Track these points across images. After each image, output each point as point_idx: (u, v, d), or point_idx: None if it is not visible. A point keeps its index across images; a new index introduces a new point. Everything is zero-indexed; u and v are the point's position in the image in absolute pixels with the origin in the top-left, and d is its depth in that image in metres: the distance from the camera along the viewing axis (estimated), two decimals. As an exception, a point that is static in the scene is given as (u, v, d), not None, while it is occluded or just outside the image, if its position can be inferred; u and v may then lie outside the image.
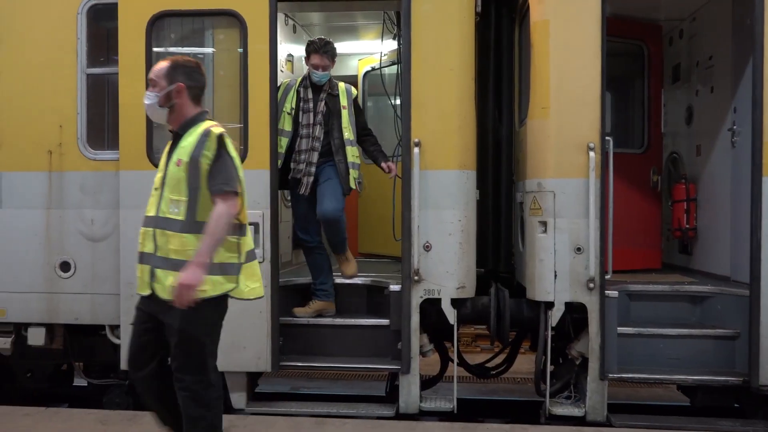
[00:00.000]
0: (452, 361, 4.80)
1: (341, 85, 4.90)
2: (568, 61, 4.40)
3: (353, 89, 4.98)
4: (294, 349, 4.72)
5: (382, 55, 6.15)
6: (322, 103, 4.77)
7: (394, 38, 5.78)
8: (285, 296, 4.72)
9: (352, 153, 4.83)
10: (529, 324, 4.72)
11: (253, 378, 4.83)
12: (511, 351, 5.34)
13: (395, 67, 5.65)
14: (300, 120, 4.75)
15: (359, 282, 4.94)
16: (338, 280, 4.99)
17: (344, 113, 4.80)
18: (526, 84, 4.75)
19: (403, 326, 4.48)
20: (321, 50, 4.75)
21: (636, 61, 5.62)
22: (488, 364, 5.41)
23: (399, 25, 5.27)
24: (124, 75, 4.63)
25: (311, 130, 4.73)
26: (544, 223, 4.41)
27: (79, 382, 5.50)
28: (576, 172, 4.37)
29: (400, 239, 4.60)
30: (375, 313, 4.81)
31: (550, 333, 4.46)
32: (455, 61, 4.52)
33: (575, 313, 4.46)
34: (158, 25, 4.68)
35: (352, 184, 4.82)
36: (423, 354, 4.62)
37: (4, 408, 4.61)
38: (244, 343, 4.52)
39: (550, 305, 4.41)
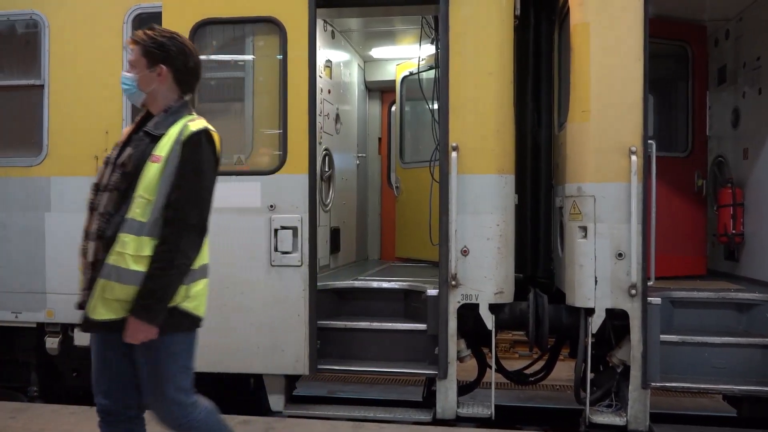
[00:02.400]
0: (490, 367, 4.76)
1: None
2: (609, 63, 4.33)
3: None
4: (331, 353, 4.75)
5: (420, 59, 6.16)
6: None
7: (432, 43, 5.78)
8: (323, 300, 4.75)
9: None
10: (569, 330, 4.66)
11: (291, 381, 4.87)
12: (550, 357, 5.27)
13: (433, 71, 5.65)
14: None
15: (396, 286, 4.95)
16: (374, 284, 5.00)
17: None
18: (566, 87, 4.69)
19: (441, 331, 4.47)
20: None
21: (680, 63, 5.50)
22: (526, 371, 5.35)
23: (437, 29, 5.27)
24: (168, 82, 4.73)
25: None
26: (584, 228, 4.34)
27: (123, 381, 5.62)
28: (617, 176, 4.29)
29: (438, 244, 4.59)
30: (412, 317, 4.80)
31: (590, 340, 4.38)
32: (494, 65, 4.50)
33: (616, 319, 4.37)
34: (200, 32, 4.77)
35: None
36: (460, 359, 4.60)
37: (52, 406, 4.75)
38: (282, 346, 4.57)
39: (590, 312, 4.34)
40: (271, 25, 4.70)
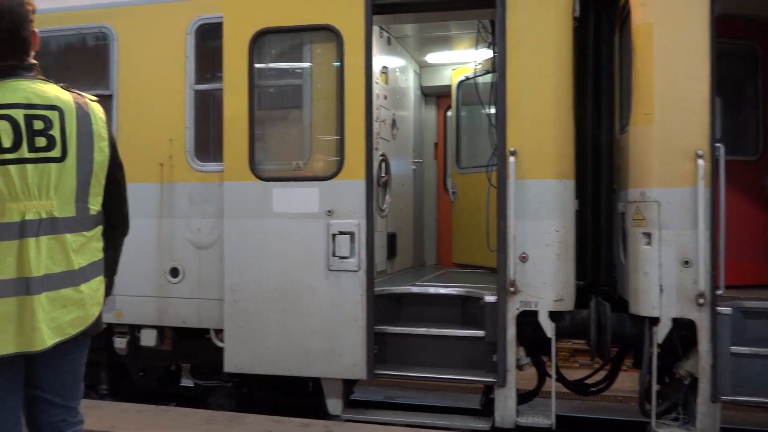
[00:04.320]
0: (550, 375, 4.66)
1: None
2: (673, 64, 4.19)
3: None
4: (388, 358, 4.75)
5: (477, 64, 6.11)
6: None
7: (488, 47, 5.73)
8: (380, 305, 4.77)
9: None
10: (632, 340, 4.52)
11: (348, 385, 4.89)
12: (613, 368, 5.12)
13: (490, 75, 5.60)
14: None
15: (453, 292, 4.92)
16: (432, 290, 4.98)
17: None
18: (628, 89, 4.57)
19: (499, 338, 4.41)
20: None
21: (748, 63, 5.28)
22: (588, 381, 5.21)
23: (494, 33, 5.23)
24: (228, 90, 4.85)
25: None
26: (649, 235, 4.21)
27: (186, 382, 5.80)
28: (683, 180, 4.14)
29: (495, 249, 4.53)
30: (470, 324, 4.76)
31: (656, 350, 4.24)
32: (552, 67, 4.42)
33: (683, 329, 4.22)
34: (260, 41, 4.88)
35: None
36: (519, 367, 4.52)
37: (121, 404, 4.92)
38: (340, 351, 4.60)
39: (655, 321, 4.20)
40: (329, 32, 4.76)
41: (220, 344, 4.93)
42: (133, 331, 5.20)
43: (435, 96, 7.54)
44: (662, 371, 4.57)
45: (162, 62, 5.12)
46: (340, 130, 4.69)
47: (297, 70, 5.10)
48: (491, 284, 4.79)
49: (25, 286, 2.18)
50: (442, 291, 4.96)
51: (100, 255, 2.44)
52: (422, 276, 6.00)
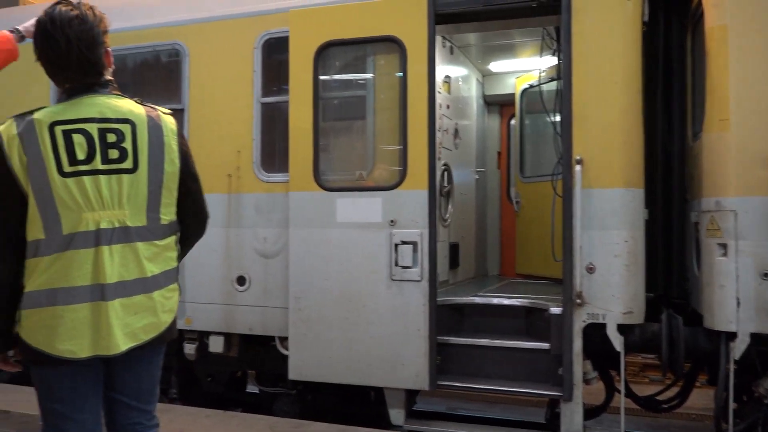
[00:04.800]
0: (618, 391, 4.52)
1: None
2: (750, 68, 4.02)
3: None
4: (451, 369, 4.72)
5: (541, 71, 6.03)
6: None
7: (553, 54, 5.65)
8: (442, 315, 4.74)
9: None
10: (707, 355, 4.33)
11: (410, 395, 4.88)
12: (685, 384, 4.91)
13: (554, 83, 5.51)
14: None
15: (517, 303, 4.84)
16: (495, 301, 4.92)
17: None
18: (701, 94, 4.40)
19: (565, 351, 4.31)
20: None
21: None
22: (659, 397, 5.02)
23: (559, 40, 5.14)
24: (294, 102, 4.96)
25: None
26: (724, 246, 4.03)
27: (252, 388, 5.92)
28: (762, 189, 3.95)
29: (561, 260, 4.44)
30: (534, 335, 4.67)
31: (732, 367, 4.04)
32: (619, 73, 4.32)
33: (763, 345, 4.01)
34: (324, 54, 4.97)
35: None
36: (586, 381, 4.40)
37: (190, 408, 5.07)
38: (402, 360, 4.60)
39: (732, 336, 4.01)
40: (391, 43, 4.80)
41: (284, 352, 5.02)
42: (201, 337, 5.35)
43: (498, 104, 7.47)
44: (740, 389, 4.35)
45: (230, 76, 5.27)
46: (403, 140, 4.71)
47: (360, 82, 5.16)
48: (556, 295, 4.69)
49: (100, 293, 2.26)
50: (506, 302, 4.89)
51: (174, 264, 2.51)
52: (485, 286, 5.94)
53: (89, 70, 2.36)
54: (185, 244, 2.65)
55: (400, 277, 4.63)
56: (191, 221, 2.63)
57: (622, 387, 4.43)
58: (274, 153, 5.26)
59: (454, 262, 6.04)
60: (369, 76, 5.10)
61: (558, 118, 5.05)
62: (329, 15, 4.93)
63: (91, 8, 2.36)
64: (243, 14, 5.27)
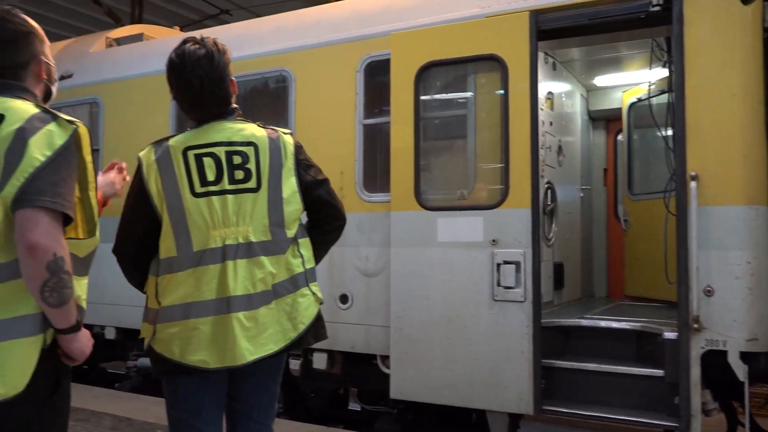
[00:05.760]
0: (742, 424, 4.20)
1: None
2: None
3: None
4: (556, 394, 4.56)
5: (650, 84, 5.78)
6: None
7: (663, 65, 5.40)
8: (547, 338, 4.60)
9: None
10: None
11: (513, 419, 4.76)
12: (821, 419, 4.49)
13: (665, 96, 5.26)
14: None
15: (628, 327, 4.61)
16: (603, 324, 4.72)
17: None
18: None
19: (681, 379, 4.05)
20: None
21: None
22: (789, 432, 4.61)
23: (669, 51, 4.92)
24: (395, 123, 5.03)
25: None
26: None
27: (354, 406, 5.99)
28: None
29: (674, 282, 4.20)
30: (646, 361, 4.43)
31: None
32: (738, 84, 4.06)
33: None
34: (425, 74, 5.01)
35: None
36: (705, 412, 4.11)
37: (294, 423, 5.20)
38: (505, 383, 4.50)
39: None
40: (492, 62, 4.77)
41: (386, 370, 5.04)
42: (306, 353, 5.49)
43: (604, 120, 7.22)
44: None
45: (334, 100, 5.43)
46: (505, 158, 4.65)
47: (460, 101, 5.15)
48: (670, 319, 4.44)
49: (225, 306, 2.38)
50: (615, 325, 4.67)
51: (300, 269, 2.58)
52: (592, 308, 5.71)
53: (220, 103, 2.55)
54: (321, 248, 2.76)
55: (502, 297, 4.55)
56: (327, 227, 2.75)
57: (746, 420, 4.11)
58: (375, 173, 5.34)
59: (558, 282, 5.86)
60: (469, 94, 5.09)
61: (670, 132, 4.82)
62: (430, 36, 4.98)
63: (215, 43, 2.54)
64: (346, 39, 5.43)
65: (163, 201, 2.40)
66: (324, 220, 2.73)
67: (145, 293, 2.56)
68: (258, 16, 7.42)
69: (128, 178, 2.73)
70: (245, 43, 5.97)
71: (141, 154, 2.49)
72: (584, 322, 4.81)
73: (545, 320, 4.67)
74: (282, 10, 7.04)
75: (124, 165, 2.83)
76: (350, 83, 5.35)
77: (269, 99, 5.95)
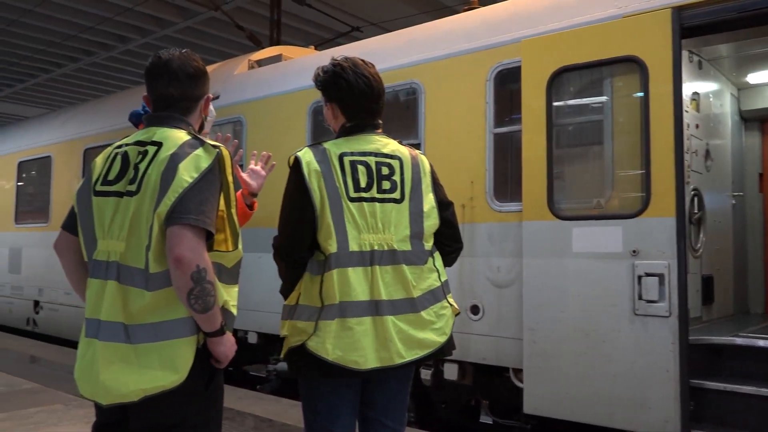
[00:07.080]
0: None
1: None
2: None
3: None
4: (707, 417, 4.22)
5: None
6: None
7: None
8: (695, 356, 4.28)
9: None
10: None
11: (658, 442, 4.46)
12: None
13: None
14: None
15: (791, 347, 4.18)
16: (761, 343, 4.30)
17: None
18: None
19: None
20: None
21: None
22: None
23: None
24: (527, 131, 4.93)
25: None
26: None
27: (485, 419, 5.90)
28: None
29: None
30: (814, 386, 3.99)
31: None
32: None
33: None
34: (557, 80, 4.88)
35: None
36: None
37: (424, 432, 5.22)
38: (648, 403, 4.24)
39: None
40: (630, 64, 4.55)
41: (519, 384, 4.93)
42: (437, 364, 5.49)
43: (758, 120, 6.63)
44: None
45: (464, 109, 5.42)
46: (646, 164, 4.40)
47: (596, 106, 4.95)
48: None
49: (375, 308, 2.49)
50: (764, 344, 4.25)
51: (437, 283, 2.67)
52: (747, 325, 5.23)
53: (376, 113, 2.74)
54: (445, 263, 2.83)
55: (644, 311, 4.29)
56: (448, 248, 2.81)
57: None
58: (506, 182, 5.26)
59: (707, 296, 5.43)
60: (605, 99, 4.88)
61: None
62: (562, 41, 4.84)
63: (371, 66, 2.81)
64: (475, 48, 5.41)
65: (325, 199, 2.51)
66: (446, 242, 2.79)
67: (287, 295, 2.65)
68: (388, 31, 7.60)
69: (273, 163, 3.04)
70: (376, 58, 6.08)
71: (299, 153, 2.57)
72: (738, 341, 4.42)
73: (693, 337, 4.34)
74: (411, 24, 7.16)
75: (268, 154, 3.10)
76: (480, 92, 5.32)
77: (400, 111, 6.06)
